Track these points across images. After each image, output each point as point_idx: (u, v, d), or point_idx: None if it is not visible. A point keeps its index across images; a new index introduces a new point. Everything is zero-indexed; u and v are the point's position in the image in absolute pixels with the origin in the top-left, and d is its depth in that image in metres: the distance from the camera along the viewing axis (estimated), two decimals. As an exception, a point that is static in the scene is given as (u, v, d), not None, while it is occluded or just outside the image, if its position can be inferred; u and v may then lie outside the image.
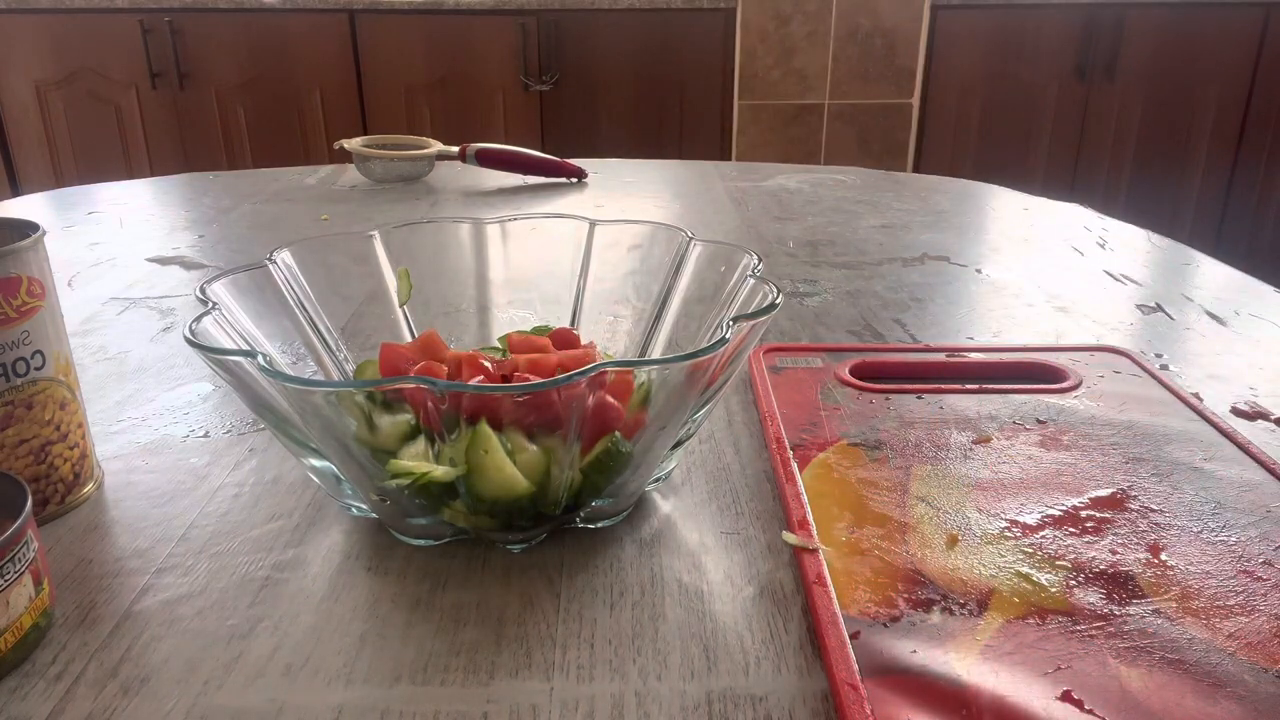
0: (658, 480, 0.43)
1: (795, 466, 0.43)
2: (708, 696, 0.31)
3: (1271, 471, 0.43)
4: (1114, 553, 0.37)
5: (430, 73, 2.66)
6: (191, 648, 0.33)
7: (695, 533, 0.40)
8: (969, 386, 0.52)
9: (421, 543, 0.39)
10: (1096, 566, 0.36)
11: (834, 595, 0.34)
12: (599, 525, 0.40)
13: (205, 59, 2.62)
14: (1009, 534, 0.38)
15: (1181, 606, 0.33)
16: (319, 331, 0.46)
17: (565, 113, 2.71)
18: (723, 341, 0.34)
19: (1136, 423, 0.48)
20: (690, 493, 0.43)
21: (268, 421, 0.37)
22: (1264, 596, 0.34)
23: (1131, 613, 0.33)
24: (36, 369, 0.39)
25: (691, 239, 0.48)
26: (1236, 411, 0.51)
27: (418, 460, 0.36)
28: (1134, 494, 0.41)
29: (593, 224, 0.51)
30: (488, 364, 0.41)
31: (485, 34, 2.63)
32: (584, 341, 0.47)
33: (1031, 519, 0.39)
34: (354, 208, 1.02)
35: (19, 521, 0.32)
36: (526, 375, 0.40)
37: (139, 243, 0.88)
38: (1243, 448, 0.45)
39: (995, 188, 1.12)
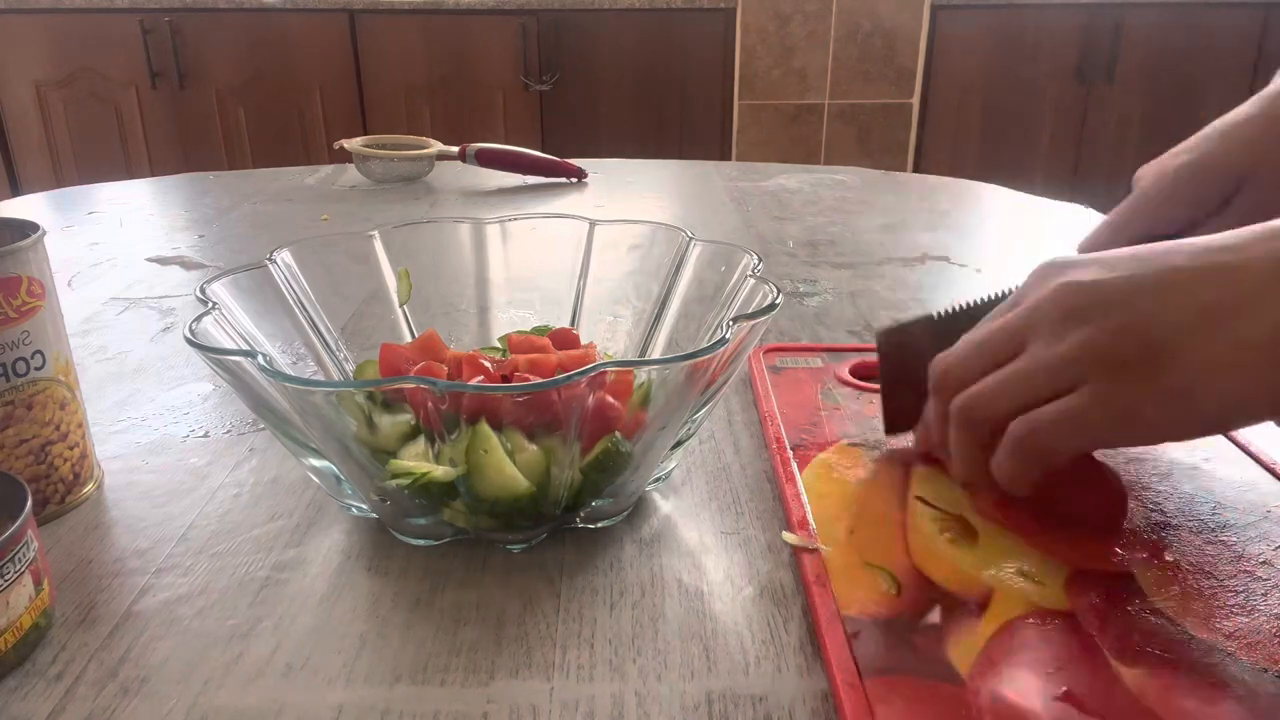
0: (658, 480, 0.43)
1: (795, 466, 0.43)
2: (708, 696, 0.31)
3: (1271, 471, 0.43)
4: (1114, 553, 0.37)
5: (430, 73, 2.66)
6: (191, 648, 0.33)
7: (695, 533, 0.40)
8: (969, 386, 0.52)
9: (421, 543, 0.39)
10: (1096, 566, 0.36)
11: (834, 595, 0.34)
12: (599, 525, 0.40)
13: (205, 59, 2.62)
14: (1009, 533, 0.38)
15: (1181, 606, 0.33)
16: (319, 331, 0.46)
17: (565, 113, 2.71)
18: (723, 341, 0.34)
19: (1136, 423, 0.48)
20: (690, 493, 0.43)
21: (268, 421, 0.37)
22: (1264, 596, 0.34)
23: (1131, 613, 0.33)
24: (36, 369, 0.39)
25: (691, 239, 0.48)
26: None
27: (418, 460, 0.36)
28: (1134, 494, 0.41)
29: (593, 224, 0.51)
30: (488, 364, 0.41)
31: (485, 34, 2.63)
32: (584, 341, 0.47)
33: (1031, 519, 0.39)
34: (354, 208, 1.02)
35: (19, 521, 0.32)
36: (526, 375, 0.40)
37: (139, 243, 0.88)
38: (1242, 448, 0.45)
39: (995, 188, 1.12)
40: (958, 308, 0.43)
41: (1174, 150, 0.47)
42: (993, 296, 0.43)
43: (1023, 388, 0.36)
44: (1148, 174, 0.46)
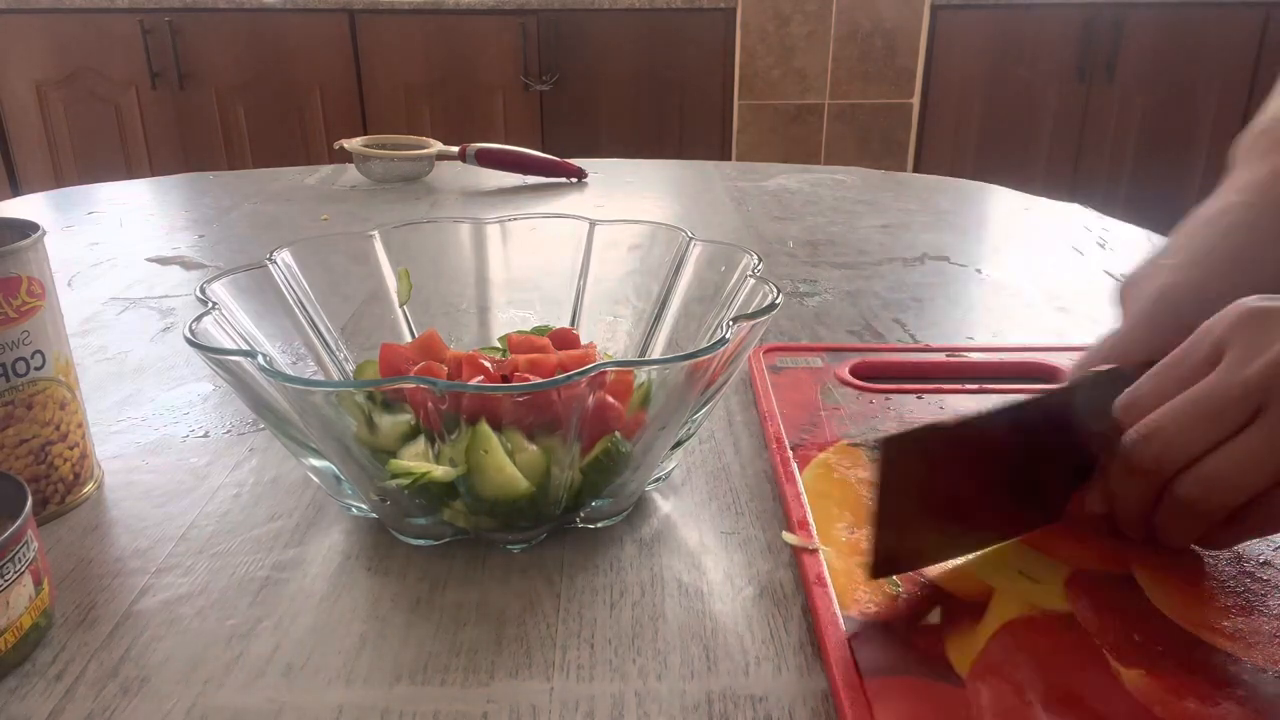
0: (658, 480, 0.43)
1: (795, 466, 0.43)
2: (708, 696, 0.31)
3: (1271, 471, 0.43)
4: (1114, 552, 0.37)
5: (430, 73, 2.66)
6: (191, 648, 0.33)
7: (695, 533, 0.40)
8: (969, 386, 0.52)
9: (421, 543, 0.39)
10: (1097, 566, 0.36)
11: (834, 595, 0.34)
12: (599, 525, 0.40)
13: (205, 59, 2.62)
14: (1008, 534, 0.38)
15: (1181, 606, 0.33)
16: (319, 331, 0.46)
17: (565, 113, 2.71)
18: (723, 341, 0.34)
19: (1136, 423, 0.48)
20: (690, 493, 0.43)
21: (268, 421, 0.37)
22: (1264, 597, 0.34)
23: (1131, 613, 0.33)
24: (36, 369, 0.39)
25: (691, 239, 0.48)
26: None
27: (418, 460, 0.36)
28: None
29: (593, 224, 0.51)
30: (488, 364, 0.41)
31: (485, 34, 2.63)
32: (584, 341, 0.47)
33: (1031, 519, 0.39)
34: (354, 208, 1.02)
35: (19, 521, 0.32)
36: (526, 375, 0.40)
37: (139, 243, 0.88)
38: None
39: (995, 188, 1.12)
40: (966, 419, 0.34)
41: (1158, 258, 0.43)
42: (1001, 408, 0.34)
43: (1270, 470, 0.32)
44: (1132, 293, 0.43)
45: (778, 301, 0.39)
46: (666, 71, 2.68)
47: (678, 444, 0.41)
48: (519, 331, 0.48)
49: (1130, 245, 0.87)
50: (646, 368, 0.41)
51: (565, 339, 0.46)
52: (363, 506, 0.40)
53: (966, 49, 2.68)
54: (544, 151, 1.15)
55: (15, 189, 2.66)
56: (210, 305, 0.39)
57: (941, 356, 0.56)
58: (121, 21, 2.56)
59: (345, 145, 1.13)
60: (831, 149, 2.77)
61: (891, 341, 0.62)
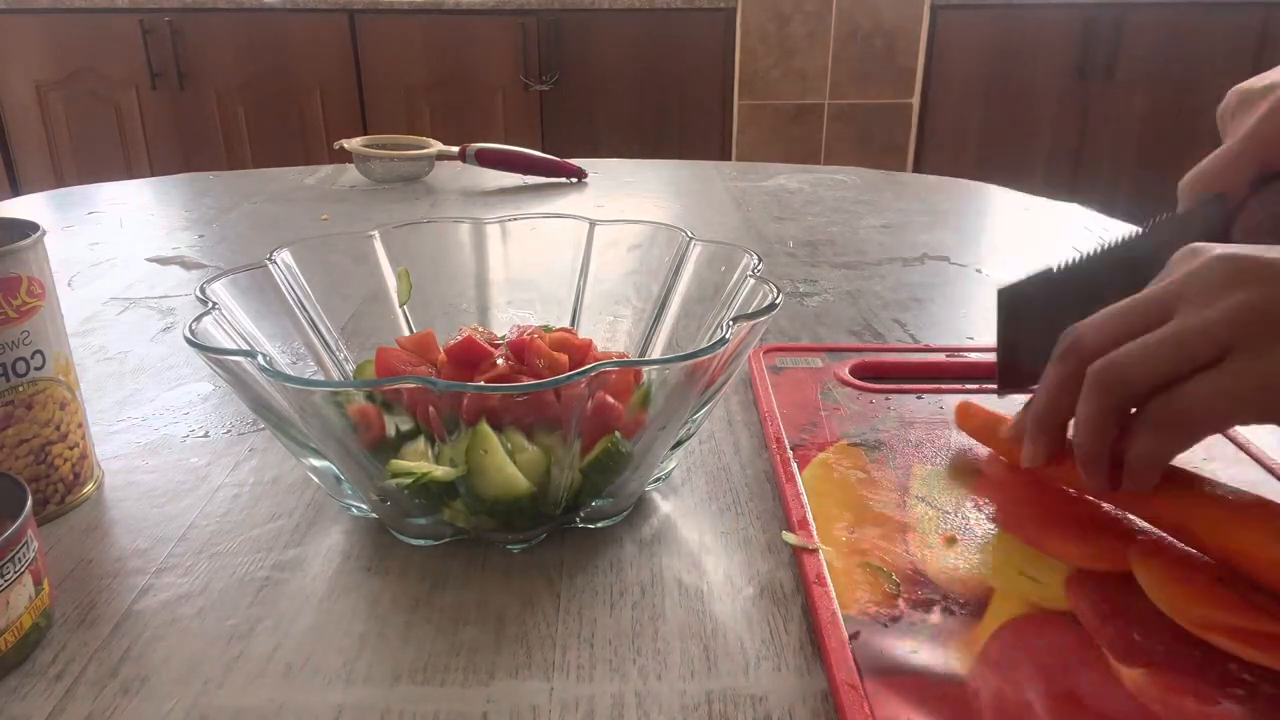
0: (658, 480, 0.43)
1: (795, 466, 0.43)
2: (708, 696, 0.31)
3: (1272, 472, 0.43)
4: (1114, 551, 0.37)
5: (430, 73, 2.66)
6: (191, 648, 0.33)
7: (695, 533, 0.40)
8: (969, 386, 0.52)
9: (421, 543, 0.39)
10: (1096, 566, 0.36)
11: (834, 595, 0.34)
12: (599, 525, 0.40)
13: (205, 59, 2.62)
14: (1009, 533, 0.38)
15: (1182, 607, 0.33)
16: (319, 331, 0.46)
17: (565, 113, 2.71)
18: (722, 341, 0.34)
19: (1136, 423, 0.48)
20: (690, 493, 0.43)
21: (268, 421, 0.37)
22: (1264, 597, 0.34)
23: (1131, 613, 0.33)
24: (36, 369, 0.39)
25: (691, 239, 0.48)
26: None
27: (418, 460, 0.36)
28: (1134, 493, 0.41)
29: (593, 224, 0.51)
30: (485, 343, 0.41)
31: (485, 34, 2.63)
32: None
33: (1031, 518, 0.39)
34: (354, 208, 1.02)
35: (19, 521, 0.32)
36: (523, 374, 0.40)
37: (139, 243, 0.88)
38: (1242, 447, 0.45)
39: (995, 188, 1.12)
40: (1076, 259, 0.43)
41: (1269, 74, 0.44)
42: (1110, 245, 0.44)
43: (1168, 354, 0.34)
44: (1239, 109, 0.44)
45: (778, 301, 0.39)
46: (666, 71, 2.68)
47: (678, 444, 0.41)
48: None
49: (1130, 245, 0.87)
50: (646, 367, 0.41)
51: (564, 341, 0.46)
52: (363, 506, 0.40)
53: (966, 49, 2.68)
54: (544, 151, 1.15)
55: (15, 189, 2.66)
56: (210, 305, 0.39)
57: (941, 356, 0.56)
58: (121, 21, 2.56)
59: (345, 145, 1.13)
60: (831, 149, 2.77)
61: (891, 341, 0.62)
